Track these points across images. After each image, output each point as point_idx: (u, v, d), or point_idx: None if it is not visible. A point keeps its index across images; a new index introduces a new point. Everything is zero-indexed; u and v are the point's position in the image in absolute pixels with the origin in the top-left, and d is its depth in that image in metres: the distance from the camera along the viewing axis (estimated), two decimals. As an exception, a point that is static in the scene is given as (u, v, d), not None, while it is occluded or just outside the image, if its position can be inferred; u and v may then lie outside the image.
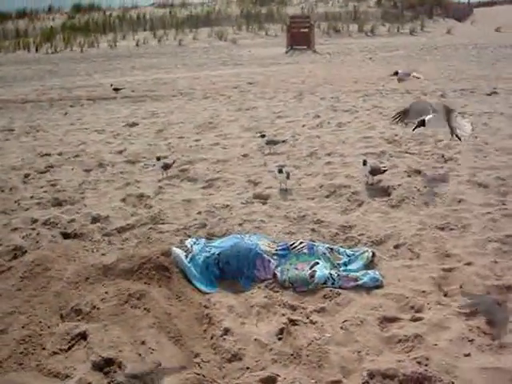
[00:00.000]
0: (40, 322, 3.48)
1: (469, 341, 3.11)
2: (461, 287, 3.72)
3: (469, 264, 4.04)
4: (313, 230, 4.77)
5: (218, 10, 37.48)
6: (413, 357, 2.96)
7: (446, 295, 3.67)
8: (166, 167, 6.37)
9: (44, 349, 3.25)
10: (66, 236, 4.96)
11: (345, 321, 3.36)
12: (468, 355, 2.99)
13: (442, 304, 3.53)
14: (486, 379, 2.80)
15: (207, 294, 3.76)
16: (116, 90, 12.92)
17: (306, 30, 24.77)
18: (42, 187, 6.33)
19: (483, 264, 4.02)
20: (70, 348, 3.26)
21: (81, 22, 34.30)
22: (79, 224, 5.16)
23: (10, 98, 13.26)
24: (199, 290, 3.80)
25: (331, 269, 3.91)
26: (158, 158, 6.46)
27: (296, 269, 3.89)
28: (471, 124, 5.75)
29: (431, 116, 5.52)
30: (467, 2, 47.86)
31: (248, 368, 2.99)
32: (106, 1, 40.84)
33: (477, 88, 11.93)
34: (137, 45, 28.51)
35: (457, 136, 5.46)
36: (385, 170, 5.90)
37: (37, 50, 27.26)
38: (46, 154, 7.76)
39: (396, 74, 5.74)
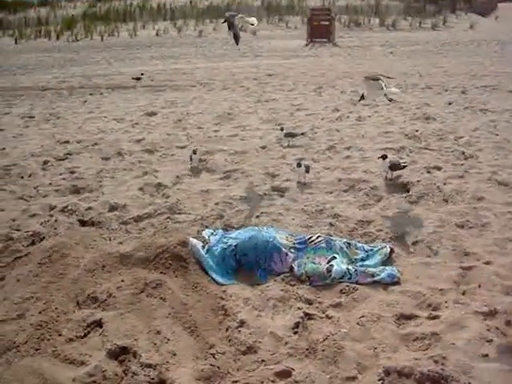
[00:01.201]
0: (56, 308, 3.51)
1: (487, 341, 3.07)
2: (479, 286, 3.67)
3: (488, 263, 3.99)
4: (330, 224, 4.74)
5: (238, 0, 37.34)
6: (429, 355, 2.93)
7: (464, 294, 3.62)
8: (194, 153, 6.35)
9: (60, 335, 3.28)
10: (83, 223, 4.99)
11: (361, 316, 3.34)
12: (486, 356, 2.95)
13: (460, 303, 3.49)
14: (504, 381, 2.76)
15: (223, 285, 3.76)
16: (137, 79, 12.93)
17: (327, 22, 24.54)
18: (60, 174, 6.36)
19: (503, 263, 3.97)
20: (85, 335, 3.29)
21: (102, 10, 34.37)
22: (97, 212, 5.18)
23: (30, 86, 13.32)
24: (215, 281, 3.80)
25: (348, 264, 3.89)
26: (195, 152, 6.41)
27: (313, 263, 3.87)
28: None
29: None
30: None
31: (263, 361, 2.98)
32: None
33: (499, 85, 11.74)
34: (157, 34, 28.48)
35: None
36: (404, 166, 5.83)
37: (58, 38, 27.34)
38: (65, 142, 7.80)
39: (363, 97, 5.75)
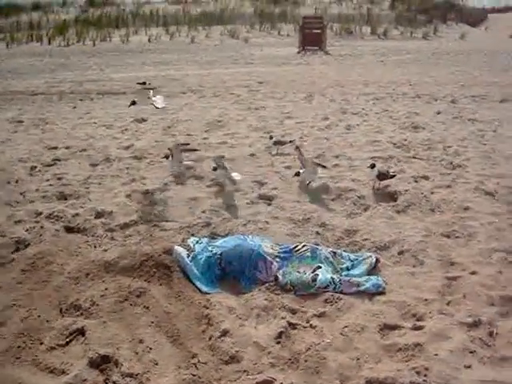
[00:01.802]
0: (39, 316, 3.47)
1: (470, 352, 3.07)
2: (464, 297, 3.68)
3: (473, 273, 3.99)
4: (317, 232, 4.74)
5: (231, 8, 37.46)
6: (412, 366, 2.92)
7: (448, 304, 3.63)
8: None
9: (42, 343, 3.24)
10: (69, 230, 4.95)
11: (345, 327, 3.33)
12: (469, 367, 2.95)
13: (444, 313, 3.48)
14: (486, 392, 2.76)
15: (207, 293, 3.74)
16: (142, 84, 13.01)
17: (319, 30, 24.68)
18: (47, 180, 6.32)
19: (488, 274, 3.98)
20: (67, 343, 3.25)
21: (94, 15, 34.37)
22: (83, 218, 5.14)
23: (21, 90, 13.27)
24: (199, 290, 3.77)
25: (333, 273, 3.88)
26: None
27: (298, 272, 3.86)
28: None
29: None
30: (482, 7, 47.64)
31: (245, 371, 2.96)
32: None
33: (488, 95, 11.85)
34: (149, 40, 28.51)
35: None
36: (393, 176, 5.85)
37: (49, 43, 27.30)
38: (54, 147, 7.75)
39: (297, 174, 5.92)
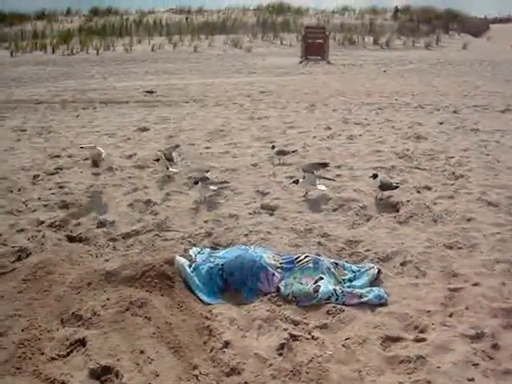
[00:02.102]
0: (40, 326, 3.46)
1: (473, 365, 3.05)
2: (467, 308, 3.66)
3: (476, 285, 3.98)
4: (319, 243, 4.72)
5: (234, 17, 37.64)
6: (414, 379, 2.90)
7: (451, 316, 3.61)
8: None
9: (42, 354, 3.23)
10: (71, 239, 4.95)
11: (347, 338, 3.32)
12: (472, 380, 2.93)
13: (447, 325, 3.47)
14: (489, 405, 2.74)
15: (209, 304, 3.73)
16: (149, 92, 13.19)
17: (321, 40, 24.77)
18: (50, 189, 6.33)
19: (491, 285, 3.96)
20: (68, 354, 3.24)
21: (98, 25, 34.57)
22: (85, 228, 5.15)
23: (24, 99, 13.32)
24: (201, 301, 3.77)
25: (335, 284, 3.87)
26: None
27: (300, 283, 3.85)
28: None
29: None
30: (484, 17, 47.77)
31: (246, 383, 2.95)
32: (124, 5, 41.14)
33: (490, 104, 11.85)
34: (152, 49, 28.64)
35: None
36: (396, 187, 5.83)
37: (53, 52, 27.46)
38: (56, 156, 7.78)
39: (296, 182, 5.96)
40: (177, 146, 7.45)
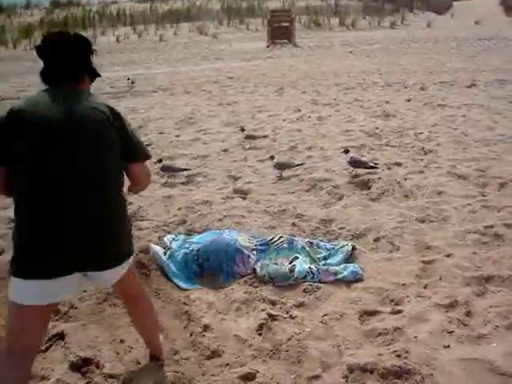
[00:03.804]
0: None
1: (448, 332, 3.12)
2: (440, 279, 3.73)
3: (448, 256, 4.05)
4: (293, 224, 4.75)
5: (198, 4, 37.29)
6: (392, 350, 2.95)
7: (425, 287, 3.67)
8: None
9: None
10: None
11: (324, 315, 3.35)
12: (447, 347, 2.99)
13: (422, 296, 3.53)
14: (465, 370, 2.80)
15: (186, 290, 3.72)
16: (132, 82, 13.07)
17: (287, 24, 24.72)
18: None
19: (463, 255, 4.04)
20: (47, 348, 3.21)
21: (59, 17, 33.90)
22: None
23: (-13, 96, 13.04)
24: (178, 287, 3.76)
25: (311, 263, 3.90)
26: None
27: (276, 264, 3.87)
28: None
29: None
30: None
31: (227, 364, 2.96)
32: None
33: (457, 80, 12.01)
34: (117, 40, 28.26)
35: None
36: (375, 167, 5.85)
37: (15, 47, 26.89)
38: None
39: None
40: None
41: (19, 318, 2.40)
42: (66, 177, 2.27)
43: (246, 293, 3.63)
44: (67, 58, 2.44)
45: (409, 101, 9.96)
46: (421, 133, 7.55)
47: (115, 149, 2.40)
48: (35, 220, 2.32)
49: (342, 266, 3.87)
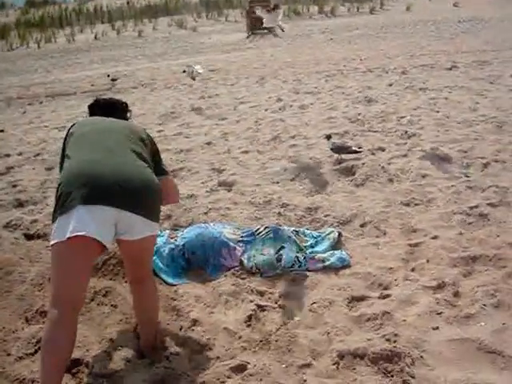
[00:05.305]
0: (4, 327, 3.37)
1: (437, 314, 3.14)
2: (427, 261, 3.74)
3: (435, 238, 4.07)
4: (279, 213, 4.74)
5: (176, -2, 37.00)
6: (382, 334, 2.96)
7: (413, 270, 3.68)
8: None
9: (9, 355, 3.15)
10: (28, 237, 4.83)
11: (313, 303, 3.35)
12: (436, 328, 3.01)
13: (410, 279, 3.55)
14: (455, 350, 2.82)
15: (174, 285, 3.71)
16: (113, 80, 12.85)
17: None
18: (2, 189, 6.14)
19: (449, 237, 4.06)
20: (36, 352, 3.17)
21: (36, 17, 33.47)
22: (42, 224, 5.02)
23: (-36, 99, 12.87)
24: (166, 283, 3.75)
25: (298, 252, 3.89)
26: None
27: (262, 254, 3.86)
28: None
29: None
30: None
31: (218, 357, 2.95)
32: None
33: (437, 63, 12.02)
34: (95, 38, 27.93)
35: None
36: (356, 151, 5.84)
37: (-9, 49, 26.53)
38: (6, 155, 7.54)
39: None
40: None
41: (61, 259, 2.57)
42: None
43: (233, 285, 3.62)
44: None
45: (390, 85, 9.96)
46: (403, 117, 7.55)
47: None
48: (82, 158, 2.74)
49: (329, 253, 3.88)
